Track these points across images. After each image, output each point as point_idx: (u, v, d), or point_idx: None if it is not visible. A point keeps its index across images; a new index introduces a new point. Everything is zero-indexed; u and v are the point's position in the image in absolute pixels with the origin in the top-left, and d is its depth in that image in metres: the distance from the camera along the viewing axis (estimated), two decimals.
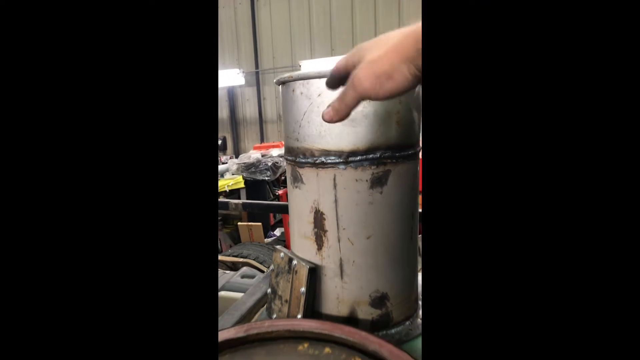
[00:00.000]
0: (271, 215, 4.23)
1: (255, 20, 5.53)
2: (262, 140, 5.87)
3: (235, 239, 4.10)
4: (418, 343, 0.83)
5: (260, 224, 3.71)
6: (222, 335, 0.75)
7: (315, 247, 0.84)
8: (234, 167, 4.41)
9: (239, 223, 3.87)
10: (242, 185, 4.36)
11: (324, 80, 0.75)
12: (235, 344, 0.75)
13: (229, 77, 6.09)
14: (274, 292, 0.94)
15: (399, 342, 0.84)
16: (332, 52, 5.11)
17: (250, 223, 3.78)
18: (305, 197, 0.84)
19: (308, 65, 4.88)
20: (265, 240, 3.89)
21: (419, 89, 0.83)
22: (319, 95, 0.76)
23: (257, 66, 5.68)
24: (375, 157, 0.77)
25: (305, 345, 0.75)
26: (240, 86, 5.90)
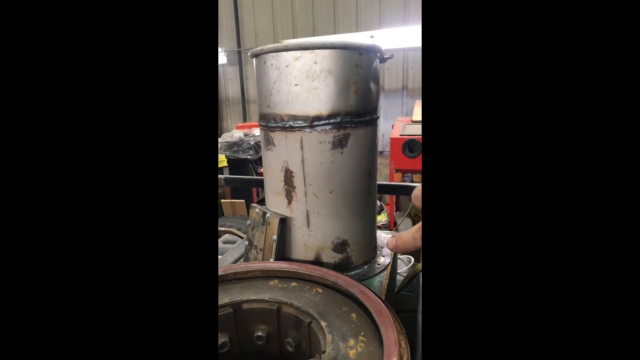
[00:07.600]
0: (254, 192, 4.34)
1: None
2: (244, 120, 5.92)
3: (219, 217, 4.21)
4: (374, 281, 0.98)
5: (243, 200, 3.82)
6: None
7: (286, 201, 0.97)
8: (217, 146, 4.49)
9: (223, 200, 3.97)
10: (225, 164, 4.45)
11: (292, 53, 0.87)
12: None
13: None
14: (250, 243, 1.07)
15: (358, 281, 0.98)
16: (314, 32, 5.15)
17: (233, 200, 3.89)
18: (277, 157, 0.96)
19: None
20: None
21: (376, 62, 0.95)
22: (287, 66, 0.87)
23: (239, 45, 5.68)
24: (336, 122, 0.89)
25: (276, 281, 0.88)
26: (223, 65, 5.90)
